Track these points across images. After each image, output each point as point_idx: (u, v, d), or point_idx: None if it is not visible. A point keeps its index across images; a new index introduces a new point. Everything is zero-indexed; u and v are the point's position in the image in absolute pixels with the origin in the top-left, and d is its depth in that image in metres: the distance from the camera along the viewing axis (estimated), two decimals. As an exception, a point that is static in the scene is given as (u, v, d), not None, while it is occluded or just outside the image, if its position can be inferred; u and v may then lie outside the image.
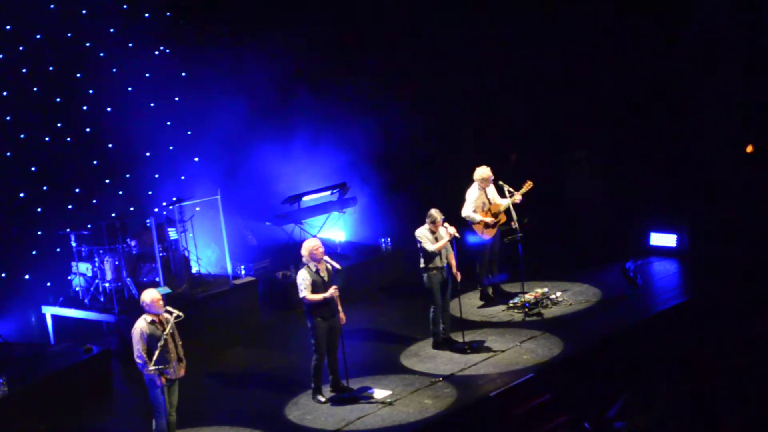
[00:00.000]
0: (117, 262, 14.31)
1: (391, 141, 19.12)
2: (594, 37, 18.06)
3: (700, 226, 16.19)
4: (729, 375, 12.35)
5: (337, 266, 11.92)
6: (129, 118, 16.45)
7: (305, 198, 16.79)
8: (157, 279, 14.38)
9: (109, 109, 16.42)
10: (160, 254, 14.36)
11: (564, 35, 18.30)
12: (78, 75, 16.12)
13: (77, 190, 16.04)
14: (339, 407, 11.75)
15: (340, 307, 11.86)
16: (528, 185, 14.32)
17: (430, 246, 12.87)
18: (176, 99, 17.44)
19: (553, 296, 14.47)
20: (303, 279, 11.71)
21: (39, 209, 15.54)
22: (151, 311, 10.57)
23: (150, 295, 10.60)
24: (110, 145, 16.47)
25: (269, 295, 15.80)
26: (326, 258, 11.82)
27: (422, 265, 13.02)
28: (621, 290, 14.91)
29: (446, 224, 12.98)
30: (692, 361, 12.79)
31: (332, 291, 11.66)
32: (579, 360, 12.61)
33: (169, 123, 17.35)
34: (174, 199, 15.02)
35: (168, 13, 17.27)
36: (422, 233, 12.97)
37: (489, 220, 14.38)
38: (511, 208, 14.17)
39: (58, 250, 15.53)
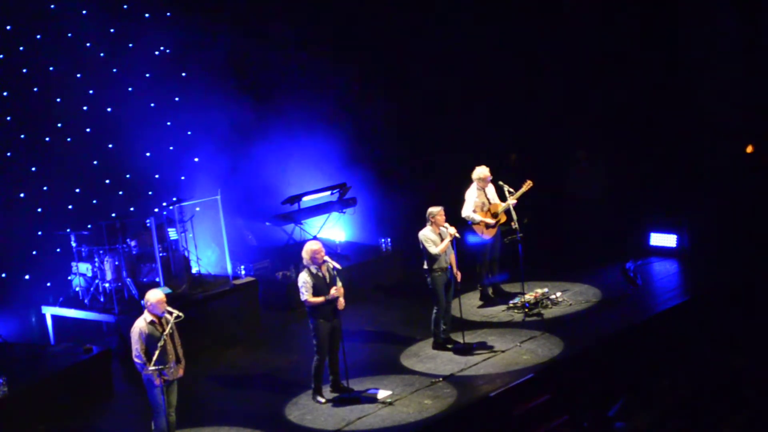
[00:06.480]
0: (117, 263, 14.31)
1: (391, 141, 19.11)
2: (594, 37, 18.07)
3: (700, 226, 16.19)
4: (729, 375, 12.36)
5: (338, 266, 11.90)
6: (129, 118, 16.44)
7: (305, 198, 16.77)
8: (157, 279, 14.37)
9: (109, 109, 16.41)
10: (160, 254, 14.34)
11: (564, 35, 18.30)
12: (78, 75, 16.10)
13: (77, 190, 16.04)
14: (339, 407, 11.75)
15: (341, 298, 11.72)
16: (527, 185, 14.31)
17: (433, 249, 12.84)
18: (176, 99, 17.43)
19: (553, 296, 14.46)
20: (304, 282, 11.66)
21: (39, 209, 15.54)
22: (153, 312, 10.57)
23: (155, 296, 10.59)
24: (110, 145, 16.46)
25: (269, 295, 15.79)
26: (326, 258, 11.80)
27: (426, 266, 12.99)
28: (621, 290, 14.91)
29: (446, 224, 12.97)
30: (692, 361, 12.79)
31: (333, 292, 11.65)
32: (579, 360, 12.60)
33: (169, 123, 17.34)
34: (174, 199, 15.01)
35: (168, 13, 17.27)
36: (425, 235, 12.93)
37: (489, 220, 14.37)
38: (511, 208, 14.16)
39: (58, 250, 15.52)
